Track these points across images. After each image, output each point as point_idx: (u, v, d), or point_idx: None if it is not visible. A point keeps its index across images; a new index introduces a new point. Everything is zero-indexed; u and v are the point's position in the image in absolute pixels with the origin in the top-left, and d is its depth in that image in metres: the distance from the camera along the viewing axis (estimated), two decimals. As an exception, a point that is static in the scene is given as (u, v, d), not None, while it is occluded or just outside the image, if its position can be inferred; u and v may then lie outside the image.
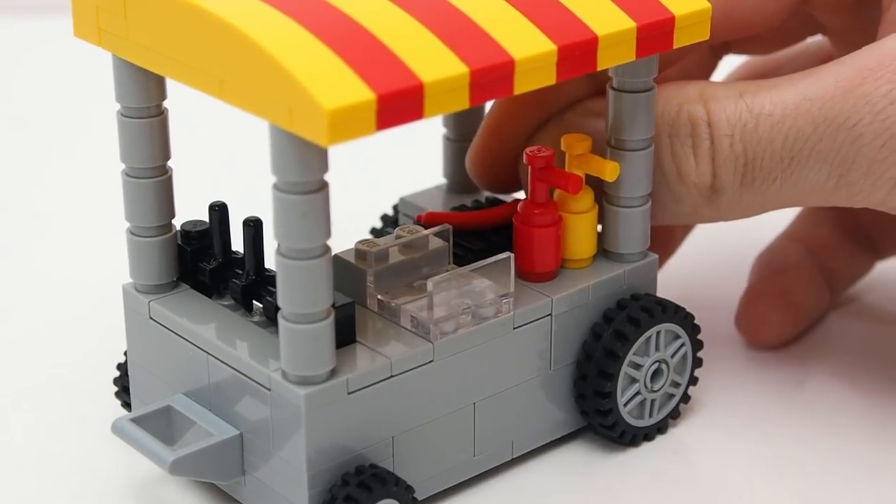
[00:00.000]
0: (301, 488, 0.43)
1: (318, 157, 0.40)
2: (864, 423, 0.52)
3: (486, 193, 0.55)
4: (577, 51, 0.43)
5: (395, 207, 0.57)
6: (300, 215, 0.40)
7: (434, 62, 0.40)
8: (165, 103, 0.46)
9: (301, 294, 0.41)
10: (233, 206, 0.48)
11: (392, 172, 0.73)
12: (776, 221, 0.57)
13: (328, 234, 0.41)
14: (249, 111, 0.40)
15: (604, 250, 0.50)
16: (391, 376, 0.44)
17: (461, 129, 0.56)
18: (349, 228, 0.54)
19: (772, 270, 0.57)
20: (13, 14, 0.97)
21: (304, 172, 0.40)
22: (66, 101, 0.85)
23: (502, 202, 0.53)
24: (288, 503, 0.44)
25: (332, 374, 0.43)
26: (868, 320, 0.59)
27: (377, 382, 0.44)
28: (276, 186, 0.40)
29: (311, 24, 0.39)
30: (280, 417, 0.43)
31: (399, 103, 0.39)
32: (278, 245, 0.41)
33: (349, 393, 0.43)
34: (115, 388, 0.52)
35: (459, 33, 0.41)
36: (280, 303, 0.42)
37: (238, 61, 0.39)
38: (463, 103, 0.40)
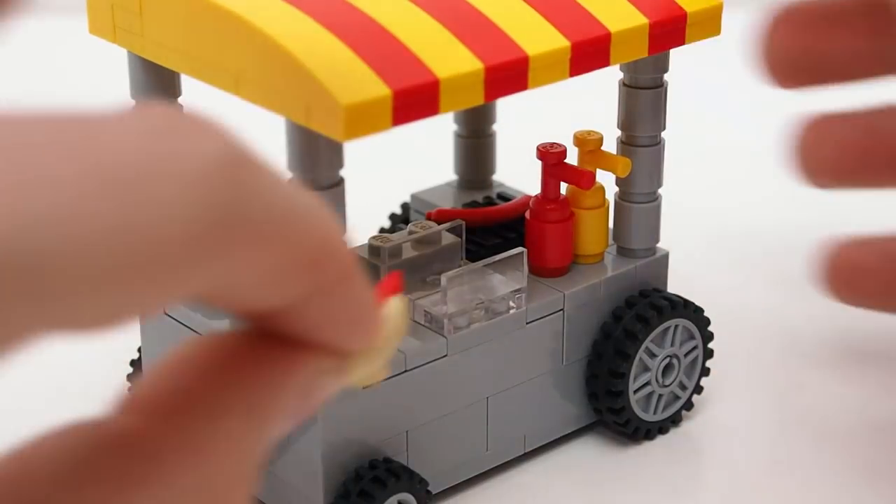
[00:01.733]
0: (316, 482, 0.43)
1: (334, 153, 0.40)
2: (866, 425, 0.52)
3: (497, 189, 0.56)
4: (591, 47, 0.43)
5: (404, 205, 0.57)
6: (316, 211, 0.40)
7: (449, 58, 0.40)
8: (180, 100, 0.46)
9: (317, 289, 0.42)
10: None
11: (402, 169, 0.73)
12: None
13: (343, 230, 0.41)
14: (266, 107, 0.40)
15: (616, 246, 0.50)
16: (405, 371, 0.44)
17: (472, 125, 0.56)
18: (361, 224, 0.54)
19: None
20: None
21: (320, 168, 0.40)
22: (70, 99, 0.85)
23: (512, 198, 0.53)
24: (303, 497, 0.44)
25: (347, 368, 0.43)
26: (870, 323, 0.59)
27: (392, 377, 0.44)
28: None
29: (327, 20, 0.40)
30: (295, 412, 0.43)
31: (415, 99, 0.39)
32: (294, 240, 0.41)
33: (364, 387, 0.43)
34: (129, 385, 0.52)
35: (474, 30, 0.41)
36: (296, 298, 0.42)
37: (255, 58, 0.39)
38: (478, 99, 0.41)
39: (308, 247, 0.26)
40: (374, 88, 0.38)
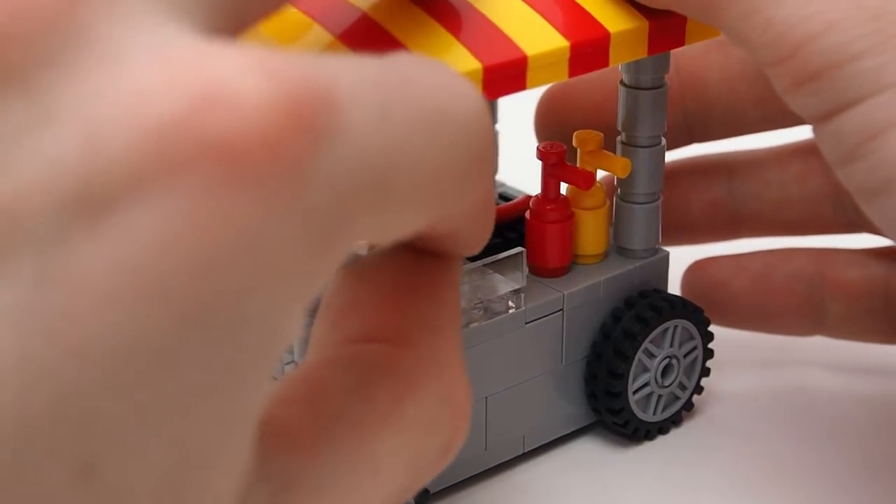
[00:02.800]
0: (314, 481, 0.43)
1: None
2: (866, 425, 0.52)
3: (499, 189, 0.56)
4: (590, 47, 0.43)
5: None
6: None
7: (447, 58, 0.40)
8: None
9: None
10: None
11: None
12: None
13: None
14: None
15: (616, 246, 0.50)
16: (404, 370, 0.44)
17: (473, 125, 0.56)
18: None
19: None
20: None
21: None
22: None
23: (513, 198, 0.53)
24: (301, 496, 0.44)
25: (346, 367, 0.43)
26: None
27: (390, 376, 0.44)
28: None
29: (323, 18, 0.40)
30: (293, 411, 0.43)
31: (413, 99, 0.39)
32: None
33: None
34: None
35: (473, 29, 0.41)
36: (294, 297, 0.42)
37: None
38: (476, 99, 0.41)
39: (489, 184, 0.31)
40: (373, 88, 0.38)
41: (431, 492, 0.46)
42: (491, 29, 0.41)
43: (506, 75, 0.41)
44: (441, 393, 0.32)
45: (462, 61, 0.40)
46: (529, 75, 0.42)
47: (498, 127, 0.56)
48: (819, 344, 0.56)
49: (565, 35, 0.42)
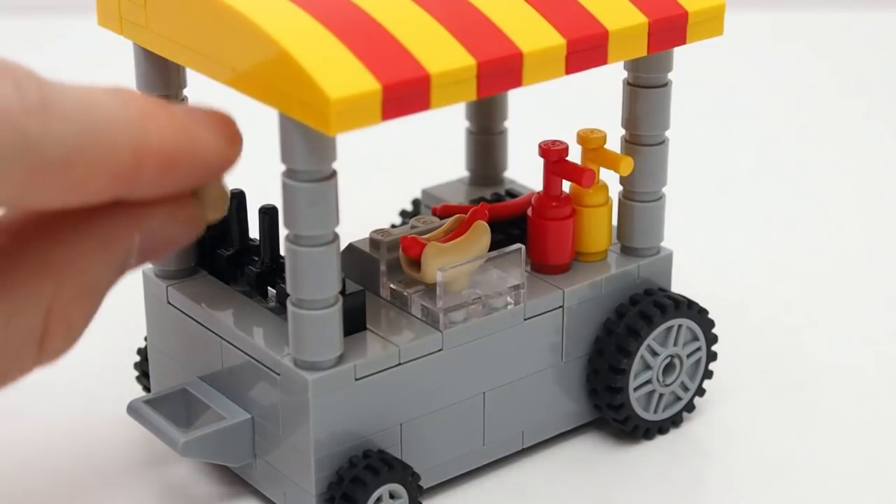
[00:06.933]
0: (308, 472, 0.44)
1: (325, 146, 0.40)
2: (866, 425, 0.52)
3: (508, 186, 0.56)
4: (587, 45, 0.43)
5: (415, 201, 0.57)
6: (308, 203, 0.41)
7: (441, 53, 0.40)
8: (186, 91, 0.47)
9: (309, 281, 0.42)
10: (250, 193, 0.49)
11: (417, 165, 0.73)
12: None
13: (336, 222, 0.42)
14: (259, 99, 0.40)
15: (620, 245, 0.50)
16: (399, 364, 0.45)
17: (482, 122, 0.56)
18: (378, 219, 0.54)
19: None
20: (14, 14, 0.97)
21: (311, 161, 0.40)
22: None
23: (520, 195, 0.54)
24: (296, 487, 0.45)
25: (340, 360, 0.44)
26: (870, 322, 0.58)
27: (385, 369, 0.44)
28: (284, 174, 0.41)
29: (320, 13, 0.40)
30: (289, 402, 0.44)
31: (405, 93, 0.39)
32: (288, 232, 0.42)
33: (357, 379, 0.44)
34: (136, 373, 0.52)
35: (468, 25, 0.41)
36: (289, 289, 0.43)
37: (249, 50, 0.40)
38: (470, 95, 0.41)
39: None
40: (364, 82, 0.39)
41: (428, 485, 0.46)
42: (486, 25, 0.42)
43: (501, 71, 0.41)
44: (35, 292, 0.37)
45: (456, 57, 0.40)
46: (525, 72, 0.42)
47: (509, 124, 0.56)
48: (819, 344, 0.56)
49: (562, 32, 0.43)
